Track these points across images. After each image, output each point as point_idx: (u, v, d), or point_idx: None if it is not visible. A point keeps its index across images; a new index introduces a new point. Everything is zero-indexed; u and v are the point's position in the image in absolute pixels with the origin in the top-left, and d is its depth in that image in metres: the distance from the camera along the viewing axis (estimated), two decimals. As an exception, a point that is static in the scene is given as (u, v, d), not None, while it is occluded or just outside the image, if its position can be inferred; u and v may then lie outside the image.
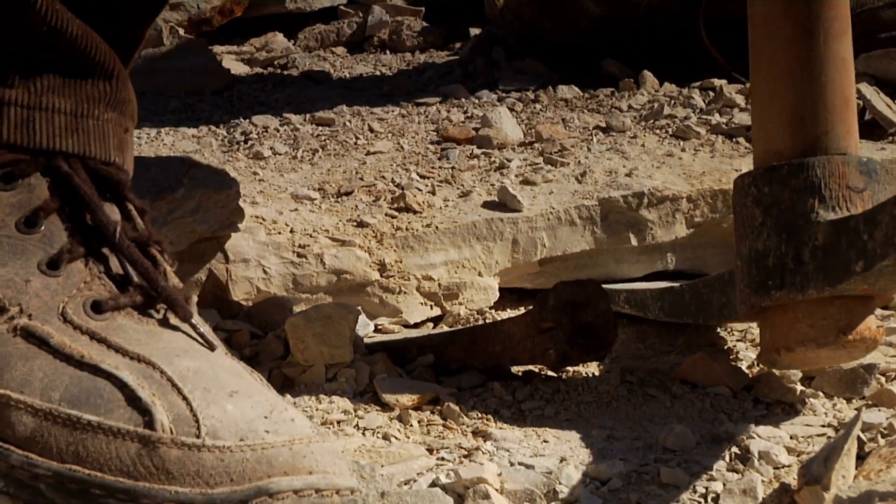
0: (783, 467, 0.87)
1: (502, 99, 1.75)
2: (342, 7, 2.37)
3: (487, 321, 1.23)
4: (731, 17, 1.58)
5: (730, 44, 1.71)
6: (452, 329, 1.21)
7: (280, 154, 1.53)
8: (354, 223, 1.30)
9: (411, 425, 0.93)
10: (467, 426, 0.94)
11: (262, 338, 1.08)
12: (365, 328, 1.17)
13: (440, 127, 1.60)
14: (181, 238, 1.14)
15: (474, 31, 2.14)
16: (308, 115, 1.69)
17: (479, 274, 1.31)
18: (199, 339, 0.68)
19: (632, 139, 1.52)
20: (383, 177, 1.42)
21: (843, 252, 0.86)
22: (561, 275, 1.33)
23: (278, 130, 1.63)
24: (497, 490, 0.81)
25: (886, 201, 0.83)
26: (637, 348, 1.20)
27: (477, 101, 1.74)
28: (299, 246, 1.25)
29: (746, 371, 1.07)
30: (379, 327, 1.23)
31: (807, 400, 1.00)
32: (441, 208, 1.34)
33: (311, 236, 1.27)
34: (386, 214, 1.32)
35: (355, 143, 1.56)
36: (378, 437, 0.90)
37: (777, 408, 1.00)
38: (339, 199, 1.36)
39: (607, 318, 1.02)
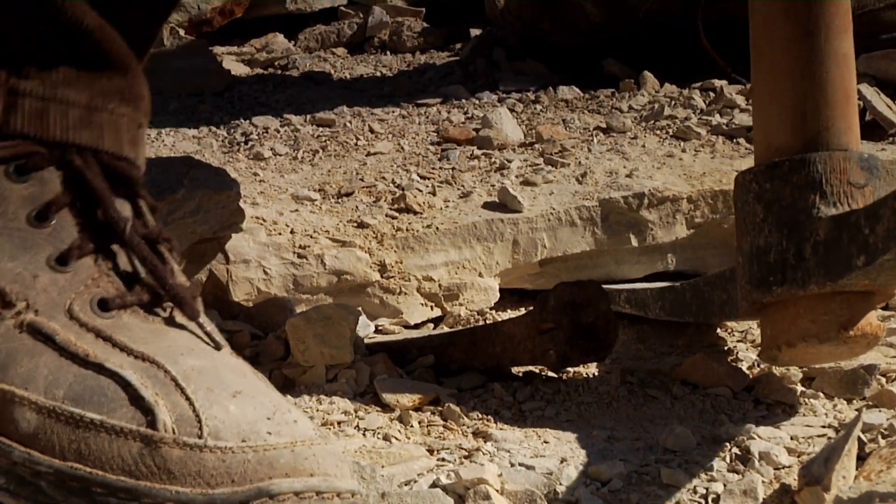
0: (783, 468, 0.87)
1: (503, 100, 1.75)
2: (342, 8, 2.36)
3: (488, 322, 1.23)
4: (730, 17, 1.58)
5: (730, 44, 1.71)
6: (453, 330, 1.21)
7: (280, 155, 1.53)
8: (355, 224, 1.30)
9: (412, 426, 0.93)
10: (468, 427, 0.94)
11: (263, 339, 1.08)
12: (365, 329, 1.17)
13: (440, 128, 1.60)
14: (182, 239, 1.14)
15: (475, 32, 2.14)
16: (308, 116, 1.69)
17: (480, 275, 1.31)
18: (206, 337, 0.68)
19: (632, 140, 1.52)
20: (384, 177, 1.42)
21: (845, 247, 0.86)
22: (561, 275, 1.33)
23: (279, 131, 1.63)
24: (497, 491, 0.81)
25: (888, 196, 0.83)
26: (637, 349, 1.20)
27: (477, 101, 1.74)
28: (300, 247, 1.25)
29: (747, 372, 1.07)
30: (379, 328, 1.23)
31: (807, 401, 1.00)
32: (441, 209, 1.34)
33: (311, 237, 1.27)
34: (386, 215, 1.32)
35: (356, 144, 1.56)
36: (378, 438, 0.90)
37: (777, 408, 1.00)
38: (340, 200, 1.36)
39: (608, 318, 1.02)
